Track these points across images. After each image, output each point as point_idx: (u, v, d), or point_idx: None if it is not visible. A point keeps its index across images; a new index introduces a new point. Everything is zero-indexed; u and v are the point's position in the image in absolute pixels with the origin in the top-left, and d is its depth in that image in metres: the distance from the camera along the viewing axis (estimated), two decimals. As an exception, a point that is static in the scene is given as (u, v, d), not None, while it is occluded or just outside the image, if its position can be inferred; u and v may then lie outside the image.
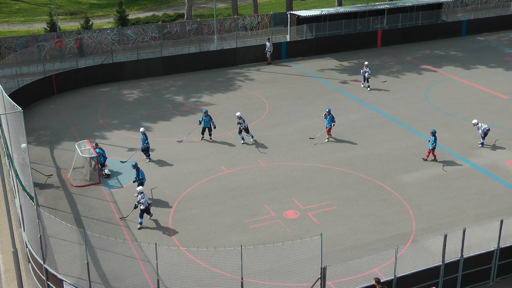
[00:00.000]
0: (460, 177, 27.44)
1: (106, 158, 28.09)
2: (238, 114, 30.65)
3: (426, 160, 28.89)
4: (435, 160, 28.83)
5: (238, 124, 30.69)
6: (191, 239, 22.95)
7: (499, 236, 20.39)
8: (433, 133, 28.47)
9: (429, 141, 28.79)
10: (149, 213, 24.03)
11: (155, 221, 24.16)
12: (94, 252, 21.40)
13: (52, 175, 27.60)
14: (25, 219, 21.95)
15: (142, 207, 23.39)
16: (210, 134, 31.23)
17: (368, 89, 38.84)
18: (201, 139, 31.26)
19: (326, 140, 31.13)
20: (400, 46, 48.87)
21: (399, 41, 49.49)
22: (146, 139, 28.77)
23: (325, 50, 46.91)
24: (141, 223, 23.70)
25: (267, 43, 44.30)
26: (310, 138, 31.32)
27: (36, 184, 26.31)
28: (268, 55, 44.32)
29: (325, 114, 30.89)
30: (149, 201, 23.97)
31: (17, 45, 43.61)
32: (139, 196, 23.33)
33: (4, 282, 21.42)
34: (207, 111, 30.87)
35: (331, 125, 30.85)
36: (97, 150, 27.62)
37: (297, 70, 43.31)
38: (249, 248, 20.59)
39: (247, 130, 30.77)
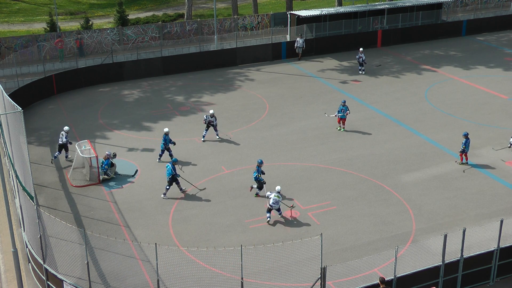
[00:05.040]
0: (460, 177, 27.44)
1: (107, 168, 27.32)
2: (211, 111, 31.10)
3: (462, 163, 28.41)
4: (461, 162, 28.42)
5: (209, 122, 30.91)
6: (191, 239, 22.95)
7: (499, 236, 20.38)
8: (466, 136, 27.95)
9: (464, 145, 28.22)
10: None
11: (155, 221, 24.20)
12: (94, 252, 21.40)
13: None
14: (25, 219, 21.95)
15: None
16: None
17: (363, 73, 41.56)
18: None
19: (339, 129, 32.53)
20: (400, 46, 48.87)
21: (399, 41, 49.49)
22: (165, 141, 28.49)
23: (325, 50, 46.93)
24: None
25: (299, 39, 44.60)
26: (326, 114, 33.53)
27: (36, 184, 26.36)
28: (298, 50, 44.90)
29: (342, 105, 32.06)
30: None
31: (17, 45, 43.63)
32: None
33: (4, 282, 21.42)
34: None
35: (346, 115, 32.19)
36: (104, 161, 27.10)
37: (297, 70, 43.31)
38: (249, 248, 20.58)
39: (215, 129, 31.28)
